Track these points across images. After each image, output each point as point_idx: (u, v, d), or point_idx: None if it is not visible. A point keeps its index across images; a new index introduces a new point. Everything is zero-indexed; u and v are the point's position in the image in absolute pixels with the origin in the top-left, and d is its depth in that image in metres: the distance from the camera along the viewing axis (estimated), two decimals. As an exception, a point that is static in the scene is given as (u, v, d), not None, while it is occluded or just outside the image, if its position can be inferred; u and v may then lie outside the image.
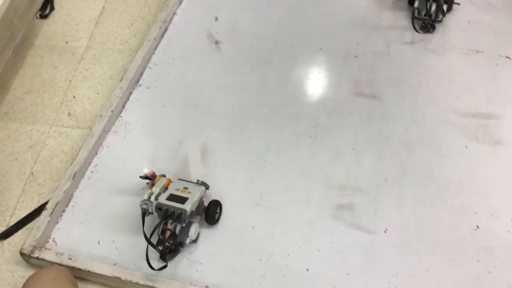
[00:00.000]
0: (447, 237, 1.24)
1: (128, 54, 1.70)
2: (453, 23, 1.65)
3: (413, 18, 1.61)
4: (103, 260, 1.25)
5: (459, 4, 1.65)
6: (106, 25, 1.80)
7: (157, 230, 1.16)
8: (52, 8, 1.88)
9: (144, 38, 1.68)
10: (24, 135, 1.54)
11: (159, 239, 1.18)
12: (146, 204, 1.18)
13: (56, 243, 1.30)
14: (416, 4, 1.63)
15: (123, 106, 1.54)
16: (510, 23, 1.65)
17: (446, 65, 1.56)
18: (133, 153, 1.45)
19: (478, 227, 1.25)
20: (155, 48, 1.68)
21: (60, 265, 1.22)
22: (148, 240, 1.14)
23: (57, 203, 1.32)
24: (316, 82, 1.57)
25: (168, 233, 1.17)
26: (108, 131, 1.48)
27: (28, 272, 1.27)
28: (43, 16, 1.85)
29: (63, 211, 1.35)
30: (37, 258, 1.24)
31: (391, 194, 1.32)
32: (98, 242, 1.29)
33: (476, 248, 1.22)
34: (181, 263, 1.24)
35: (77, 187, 1.39)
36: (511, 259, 1.20)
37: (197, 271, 1.23)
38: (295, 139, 1.45)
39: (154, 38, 1.67)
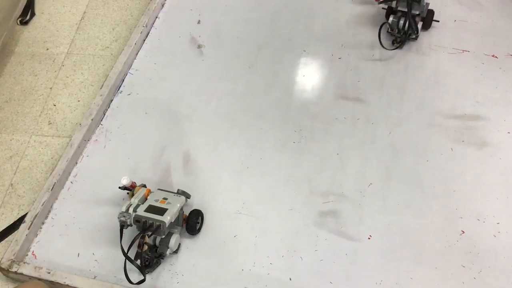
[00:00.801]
0: (432, 243, 1.22)
1: (110, 59, 1.68)
2: (440, 23, 1.63)
3: (379, 33, 1.54)
4: (82, 273, 1.23)
5: (438, 21, 1.58)
6: (87, 30, 1.77)
7: (135, 243, 1.14)
8: (33, 14, 1.85)
9: (126, 43, 1.65)
10: (3, 145, 1.51)
11: (137, 252, 1.16)
12: (124, 216, 1.15)
13: (36, 256, 1.28)
14: (389, 20, 1.54)
15: (104, 114, 1.52)
16: (497, 21, 1.63)
17: (432, 66, 1.53)
18: (114, 162, 1.42)
19: (463, 232, 1.23)
20: (137, 54, 1.65)
21: (39, 279, 1.20)
22: (125, 255, 1.12)
23: (35, 216, 1.30)
24: (300, 85, 1.54)
25: (146, 247, 1.15)
26: (88, 140, 1.46)
27: (7, 287, 1.25)
28: (24, 23, 1.82)
29: (42, 223, 1.32)
30: (16, 272, 1.22)
31: (376, 200, 1.30)
32: (78, 254, 1.27)
33: (462, 254, 1.20)
34: (162, 274, 1.22)
35: (56, 198, 1.36)
36: (497, 264, 1.18)
37: (178, 282, 1.21)
38: (279, 144, 1.42)
39: (135, 43, 1.64)
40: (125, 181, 1.24)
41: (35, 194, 1.39)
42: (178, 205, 1.20)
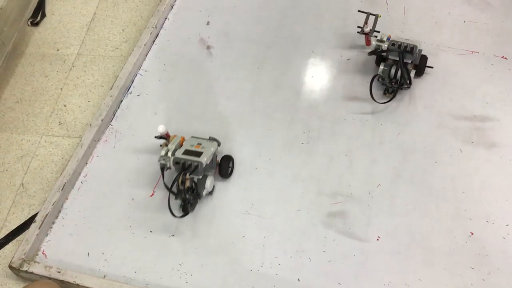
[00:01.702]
0: (441, 245, 1.22)
1: (119, 60, 1.69)
2: (449, 23, 1.63)
3: (371, 86, 1.41)
4: (92, 272, 1.24)
5: (432, 67, 1.49)
6: (97, 31, 1.78)
7: (176, 182, 1.22)
8: (43, 15, 1.86)
9: (136, 44, 1.66)
10: (14, 145, 1.53)
11: (178, 190, 1.23)
12: (164, 159, 1.25)
13: (46, 256, 1.29)
14: (379, 69, 1.43)
15: (114, 114, 1.53)
16: (507, 22, 1.62)
17: (441, 67, 1.53)
18: (123, 162, 1.43)
19: (472, 233, 1.23)
20: (146, 55, 1.66)
21: (49, 278, 1.21)
22: (170, 190, 1.21)
23: (46, 215, 1.31)
24: (308, 86, 1.54)
25: (187, 183, 1.23)
26: (98, 140, 1.47)
27: (18, 286, 1.27)
28: (35, 24, 1.83)
29: (53, 223, 1.34)
30: (26, 271, 1.23)
31: (384, 201, 1.30)
32: (88, 254, 1.28)
33: (470, 255, 1.20)
34: (171, 274, 1.23)
35: (67, 198, 1.37)
36: (506, 266, 1.17)
37: (187, 282, 1.21)
38: (287, 145, 1.43)
39: (145, 44, 1.65)
40: (161, 129, 1.31)
41: (46, 194, 1.41)
42: (212, 149, 1.29)
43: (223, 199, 1.34)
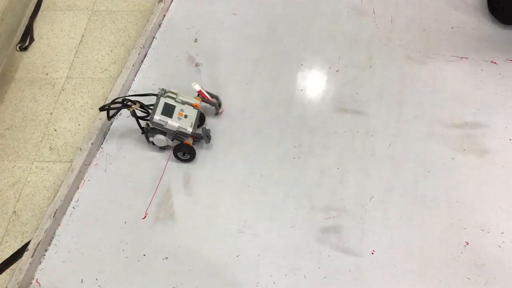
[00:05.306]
0: (436, 256, 1.20)
1: (109, 82, 1.68)
2: (437, 30, 1.62)
3: None
4: (86, 299, 1.23)
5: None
6: (86, 53, 1.78)
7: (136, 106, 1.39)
8: (32, 40, 1.86)
9: (124, 64, 1.65)
10: (6, 172, 1.52)
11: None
12: (160, 91, 1.40)
13: (40, 284, 1.28)
14: None
15: (104, 137, 1.52)
16: (495, 26, 1.62)
17: (430, 75, 1.52)
18: (115, 185, 1.42)
19: (467, 243, 1.21)
20: (135, 75, 1.65)
21: (43, 307, 1.21)
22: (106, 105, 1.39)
23: (38, 243, 1.30)
24: (298, 100, 1.54)
25: (132, 108, 1.38)
26: (89, 164, 1.46)
27: (13, 315, 1.26)
28: (23, 48, 1.83)
29: (46, 250, 1.33)
30: (20, 301, 1.22)
31: (377, 213, 1.29)
32: (82, 280, 1.27)
33: (466, 266, 1.19)
34: (166, 298, 1.22)
35: (59, 225, 1.36)
36: (503, 275, 1.16)
37: (182, 305, 1.21)
38: (278, 161, 1.42)
39: (133, 65, 1.64)
40: (197, 87, 1.45)
41: (38, 220, 1.40)
42: (177, 125, 1.37)
43: (215, 218, 1.33)
